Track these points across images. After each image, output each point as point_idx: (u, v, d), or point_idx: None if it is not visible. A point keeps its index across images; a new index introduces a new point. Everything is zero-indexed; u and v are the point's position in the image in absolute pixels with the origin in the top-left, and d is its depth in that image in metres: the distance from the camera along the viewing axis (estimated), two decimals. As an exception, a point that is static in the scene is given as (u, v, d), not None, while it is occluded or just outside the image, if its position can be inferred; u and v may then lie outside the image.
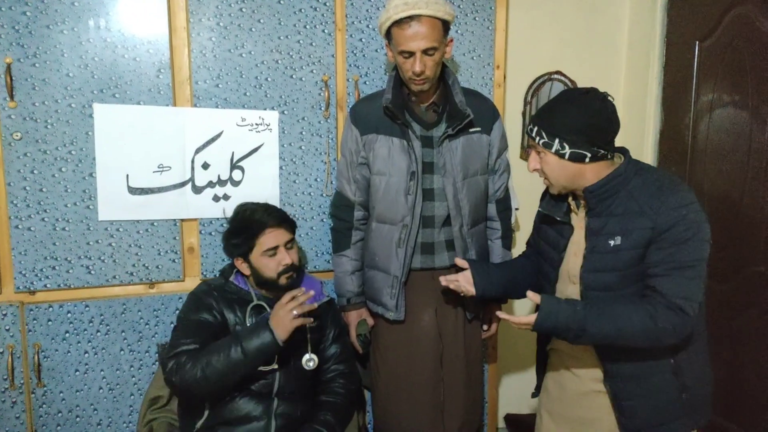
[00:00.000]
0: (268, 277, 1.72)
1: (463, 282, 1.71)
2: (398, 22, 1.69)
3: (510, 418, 2.79)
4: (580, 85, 2.60)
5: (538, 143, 1.48)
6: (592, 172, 1.47)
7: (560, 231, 1.59)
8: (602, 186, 1.46)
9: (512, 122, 2.54)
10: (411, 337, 1.88)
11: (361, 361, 2.02)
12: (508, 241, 2.02)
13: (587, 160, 1.44)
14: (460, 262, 1.76)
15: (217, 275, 1.89)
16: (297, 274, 1.76)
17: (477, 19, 2.15)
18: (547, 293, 1.61)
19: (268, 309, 1.70)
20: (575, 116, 1.43)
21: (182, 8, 1.88)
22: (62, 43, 1.79)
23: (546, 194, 1.66)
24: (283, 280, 1.72)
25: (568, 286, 1.57)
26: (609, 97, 1.46)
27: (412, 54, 1.70)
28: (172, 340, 1.70)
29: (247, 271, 1.75)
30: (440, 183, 1.83)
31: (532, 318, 1.46)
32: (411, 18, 1.67)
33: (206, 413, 1.66)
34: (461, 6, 2.12)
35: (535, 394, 1.84)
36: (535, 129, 1.48)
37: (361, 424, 1.97)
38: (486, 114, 1.90)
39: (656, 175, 1.49)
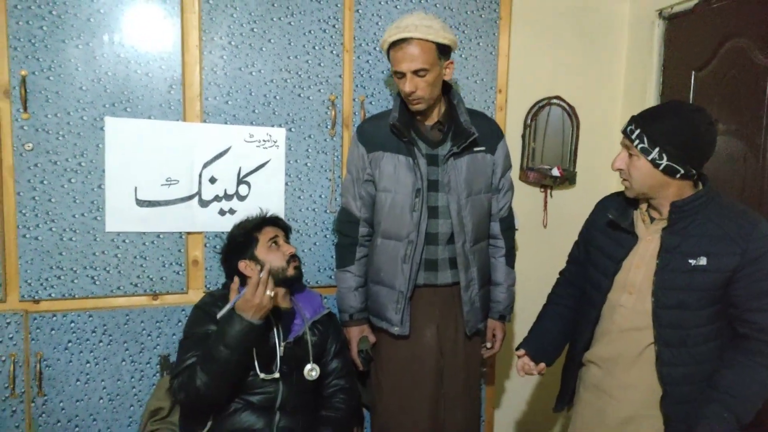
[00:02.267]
0: (278, 267, 1.77)
1: (529, 364, 1.76)
2: (392, 45, 1.76)
3: (505, 438, 2.81)
4: (579, 110, 2.67)
5: (636, 146, 1.49)
6: (676, 188, 1.51)
7: (619, 240, 1.61)
8: (690, 203, 1.49)
9: (512, 145, 2.57)
10: (413, 352, 1.91)
11: (360, 379, 2.04)
12: (511, 258, 2.06)
13: (678, 176, 1.48)
14: (520, 353, 1.81)
15: (220, 288, 1.91)
16: (299, 266, 1.85)
17: (481, 44, 2.21)
18: (595, 303, 1.65)
19: (271, 316, 1.72)
20: (682, 131, 1.45)
21: (195, 27, 1.93)
22: (76, 57, 1.84)
23: (610, 205, 1.68)
24: (291, 270, 1.80)
25: (622, 296, 1.59)
26: (715, 123, 1.49)
27: (404, 75, 1.76)
28: (178, 358, 1.71)
29: (251, 272, 1.78)
30: (444, 200, 1.86)
31: None
32: (403, 40, 1.74)
33: (209, 425, 1.67)
34: (466, 32, 2.18)
35: (557, 409, 1.84)
36: (637, 131, 1.49)
37: (359, 439, 1.98)
38: (490, 134, 1.95)
39: (731, 202, 1.54)
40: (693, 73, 2.38)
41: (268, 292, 1.61)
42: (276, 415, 1.70)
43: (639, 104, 2.61)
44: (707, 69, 2.32)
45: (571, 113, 2.68)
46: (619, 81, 2.75)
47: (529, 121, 2.66)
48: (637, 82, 2.65)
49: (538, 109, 2.66)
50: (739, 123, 2.16)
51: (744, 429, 1.46)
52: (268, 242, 1.81)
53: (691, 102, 2.37)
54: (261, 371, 1.68)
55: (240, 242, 1.82)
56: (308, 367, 1.77)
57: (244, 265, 1.80)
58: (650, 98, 2.58)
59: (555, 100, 2.66)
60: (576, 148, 2.71)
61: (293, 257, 1.83)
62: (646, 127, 1.48)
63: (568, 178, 2.68)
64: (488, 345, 2.07)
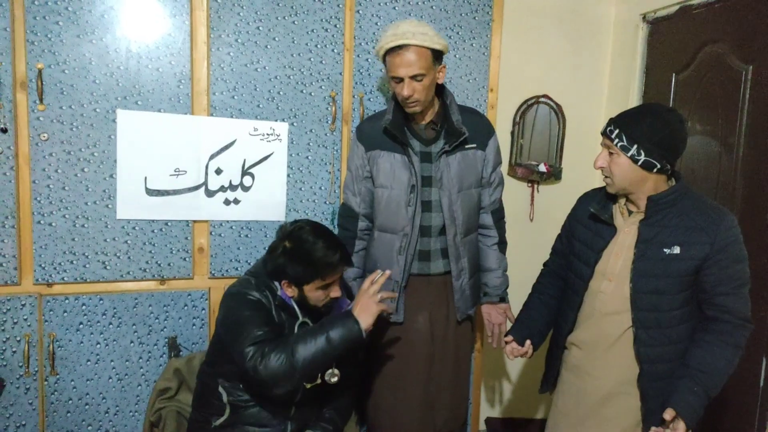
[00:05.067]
0: (312, 306, 1.75)
1: (517, 348, 1.87)
2: (390, 51, 1.86)
3: (490, 422, 2.94)
4: (565, 109, 2.80)
5: (616, 145, 1.62)
6: (652, 183, 1.64)
7: (599, 232, 1.75)
8: (664, 197, 1.63)
9: (501, 141, 2.68)
10: (406, 337, 2.03)
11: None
12: (503, 246, 2.19)
13: (655, 170, 1.60)
14: (508, 339, 1.91)
15: (254, 277, 1.80)
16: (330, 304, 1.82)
17: (474, 45, 2.33)
18: (578, 290, 1.78)
19: (308, 320, 1.77)
20: (658, 129, 1.58)
21: (204, 24, 2.02)
22: (90, 51, 1.92)
23: (591, 199, 1.82)
24: (322, 308, 1.78)
25: (602, 283, 1.72)
26: (686, 121, 1.63)
27: (401, 79, 1.87)
28: (244, 332, 1.63)
29: (291, 294, 1.75)
30: (437, 195, 1.98)
31: (682, 427, 1.54)
32: (400, 47, 1.83)
33: (227, 413, 1.74)
34: (460, 33, 2.30)
35: (542, 390, 1.96)
36: (616, 131, 1.62)
37: (357, 420, 2.10)
38: (482, 131, 2.06)
39: (701, 197, 1.68)
40: (673, 75, 2.51)
41: (378, 296, 1.66)
42: (292, 408, 1.78)
43: (622, 104, 2.74)
44: (687, 72, 2.45)
45: (558, 112, 2.80)
46: (604, 81, 2.87)
47: (518, 119, 2.78)
48: (621, 83, 2.78)
49: (526, 107, 2.78)
50: (715, 124, 2.30)
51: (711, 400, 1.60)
52: (321, 286, 1.73)
53: (670, 103, 2.51)
54: None
55: (301, 273, 1.70)
56: (329, 371, 1.76)
57: (286, 285, 1.75)
58: (633, 98, 2.71)
59: (543, 99, 2.79)
60: (562, 145, 2.83)
61: (333, 300, 1.78)
62: (625, 127, 1.61)
63: (554, 174, 2.80)
64: (488, 334, 2.17)
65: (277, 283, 1.76)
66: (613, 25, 2.83)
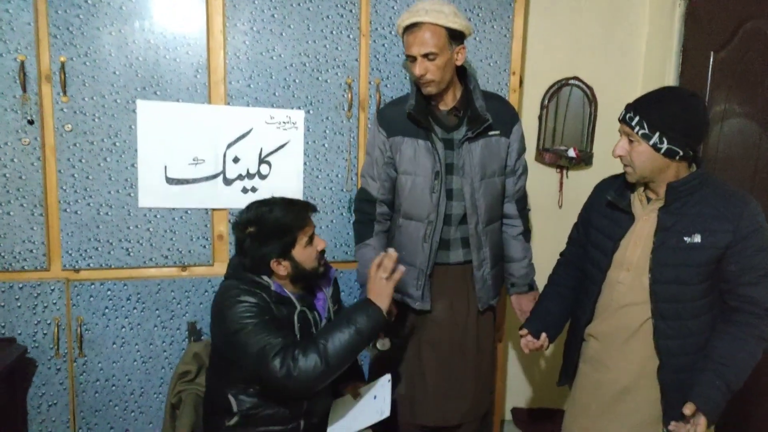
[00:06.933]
0: (311, 268, 1.73)
1: (533, 341, 1.83)
2: (406, 29, 1.84)
3: (516, 412, 2.90)
4: (597, 91, 2.69)
5: (637, 133, 1.54)
6: (674, 170, 1.57)
7: (617, 220, 1.69)
8: (685, 183, 1.55)
9: (528, 126, 2.63)
10: (425, 326, 2.01)
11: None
12: (528, 235, 2.16)
13: (678, 158, 1.53)
14: (523, 332, 1.87)
15: (238, 280, 1.72)
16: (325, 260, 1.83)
17: (495, 27, 2.26)
18: (595, 280, 1.72)
19: (309, 315, 1.75)
20: (680, 115, 1.51)
21: (219, 13, 2.03)
22: (110, 43, 1.97)
23: (608, 187, 1.75)
24: (321, 268, 1.77)
25: (620, 273, 1.66)
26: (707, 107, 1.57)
27: (415, 58, 1.83)
28: (259, 345, 1.57)
29: (284, 272, 1.70)
30: (459, 183, 1.94)
31: (703, 422, 1.50)
32: (414, 25, 1.81)
33: (236, 419, 1.71)
34: (480, 14, 2.23)
35: (561, 383, 1.92)
36: (636, 119, 1.54)
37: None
38: (506, 117, 2.00)
39: (723, 183, 1.60)
40: (712, 54, 2.37)
41: (385, 277, 1.65)
42: (305, 403, 1.76)
43: (658, 85, 2.60)
44: (726, 50, 2.31)
45: (590, 94, 2.70)
46: (639, 62, 2.74)
47: (546, 102, 2.69)
48: (657, 63, 2.65)
49: (555, 90, 2.69)
50: (754, 105, 2.16)
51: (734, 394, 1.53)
52: (306, 240, 1.72)
53: (708, 84, 2.38)
54: None
55: (281, 242, 1.67)
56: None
57: (276, 264, 1.69)
58: (669, 79, 2.58)
59: (573, 81, 2.69)
60: (593, 130, 2.73)
61: (322, 254, 1.78)
62: (646, 114, 1.53)
63: (584, 159, 2.71)
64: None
65: (266, 278, 1.71)
66: (648, 2, 2.69)
